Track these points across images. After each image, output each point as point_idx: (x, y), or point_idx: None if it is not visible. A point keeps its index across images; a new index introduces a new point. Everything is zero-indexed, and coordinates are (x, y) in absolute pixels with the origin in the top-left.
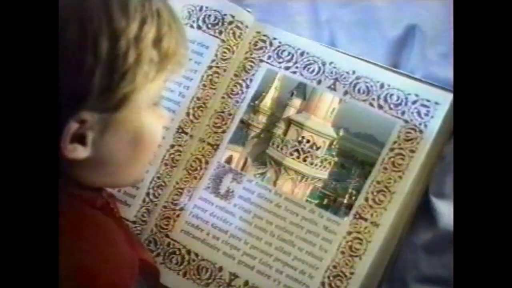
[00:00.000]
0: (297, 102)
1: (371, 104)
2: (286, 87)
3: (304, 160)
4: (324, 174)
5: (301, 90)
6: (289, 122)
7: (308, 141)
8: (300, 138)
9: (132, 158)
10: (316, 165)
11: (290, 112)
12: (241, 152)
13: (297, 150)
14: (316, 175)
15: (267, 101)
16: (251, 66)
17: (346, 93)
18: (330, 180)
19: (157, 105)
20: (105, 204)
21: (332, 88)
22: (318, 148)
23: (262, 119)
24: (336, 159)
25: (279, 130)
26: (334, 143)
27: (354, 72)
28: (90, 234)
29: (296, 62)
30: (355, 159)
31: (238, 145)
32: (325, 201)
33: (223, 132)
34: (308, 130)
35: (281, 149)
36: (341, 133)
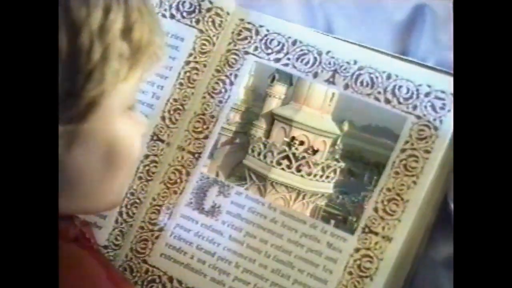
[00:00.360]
0: (280, 89)
1: (376, 98)
2: (263, 72)
3: (298, 170)
4: (327, 188)
5: (285, 74)
6: (272, 118)
7: (301, 143)
8: (289, 140)
9: (108, 176)
10: (315, 175)
11: (273, 104)
12: (209, 165)
13: (286, 157)
14: (316, 189)
15: (239, 92)
16: (235, 59)
17: (347, 86)
18: (336, 193)
19: (132, 109)
20: (80, 235)
21: (331, 81)
22: (316, 152)
23: (235, 117)
24: (342, 164)
25: (258, 131)
26: (338, 142)
27: (355, 62)
28: (64, 272)
29: (287, 53)
30: (367, 161)
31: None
32: (332, 223)
33: (205, 137)
34: (300, 127)
35: (264, 157)
36: (346, 127)
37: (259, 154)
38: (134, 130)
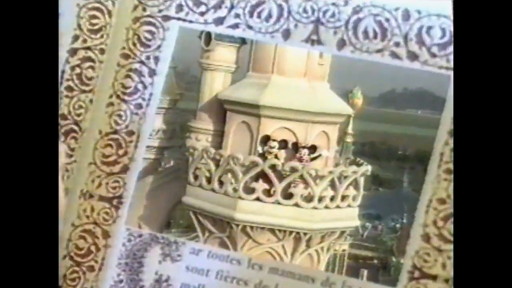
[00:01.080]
0: (226, 53)
1: (394, 55)
2: (190, 34)
3: (288, 196)
4: (349, 217)
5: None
6: (222, 109)
7: (283, 144)
8: (261, 144)
9: None
10: (321, 199)
11: (216, 83)
12: (126, 217)
13: (262, 176)
14: (329, 225)
15: (160, 79)
16: (151, 32)
17: (342, 43)
18: (363, 221)
19: None
20: None
21: (314, 40)
22: (314, 155)
23: (156, 125)
24: (367, 168)
25: (201, 139)
26: (349, 128)
27: (346, 2)
28: None
29: (232, 7)
30: (402, 154)
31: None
32: (365, 274)
33: (125, 170)
34: (276, 114)
35: (220, 184)
36: (359, 98)
37: (209, 180)
38: None
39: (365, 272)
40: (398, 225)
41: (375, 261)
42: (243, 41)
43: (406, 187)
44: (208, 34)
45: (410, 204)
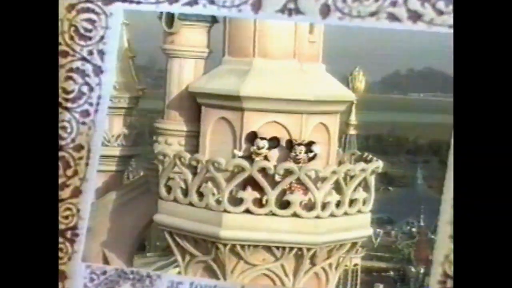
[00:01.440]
0: (195, 35)
1: (392, 17)
2: (149, 16)
3: (285, 205)
4: (361, 225)
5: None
6: (195, 104)
7: (274, 142)
8: (247, 143)
9: None
10: (326, 206)
11: (186, 74)
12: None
13: (250, 183)
14: (337, 237)
15: (109, 78)
16: (91, 20)
17: (327, 9)
18: (376, 227)
19: None
20: None
21: (291, 8)
22: (310, 154)
23: (113, 127)
24: (378, 165)
25: (171, 143)
26: (352, 118)
27: None
28: None
29: None
30: (413, 146)
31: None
32: None
33: (77, 193)
34: (263, 107)
35: (200, 196)
36: (361, 81)
37: (185, 193)
38: None
39: (381, 287)
40: (414, 229)
41: (391, 273)
42: (214, 19)
43: (421, 184)
44: (170, 13)
45: (428, 203)
